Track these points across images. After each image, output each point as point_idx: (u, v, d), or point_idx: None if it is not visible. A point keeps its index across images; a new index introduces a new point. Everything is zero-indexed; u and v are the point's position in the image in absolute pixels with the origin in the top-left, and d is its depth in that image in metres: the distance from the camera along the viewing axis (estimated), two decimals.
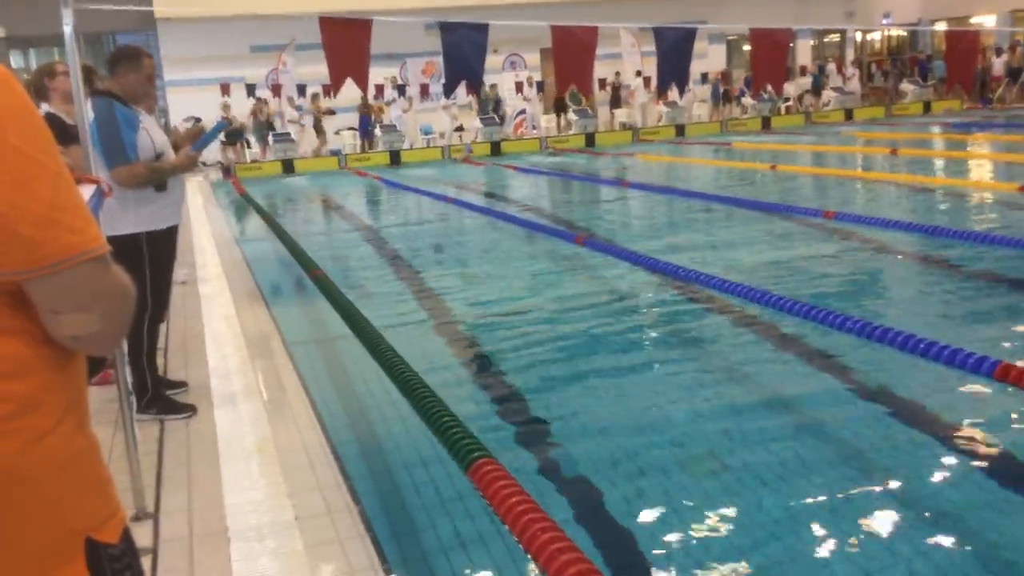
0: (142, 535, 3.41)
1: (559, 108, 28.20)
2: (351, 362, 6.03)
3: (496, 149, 25.63)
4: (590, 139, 26.44)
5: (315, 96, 25.34)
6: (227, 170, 24.08)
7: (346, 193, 19.06)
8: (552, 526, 3.40)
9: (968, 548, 3.34)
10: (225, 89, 25.90)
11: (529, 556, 3.28)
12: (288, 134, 25.34)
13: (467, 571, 3.33)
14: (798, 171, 14.53)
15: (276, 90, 26.47)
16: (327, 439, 4.35)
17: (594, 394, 5.24)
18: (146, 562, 3.15)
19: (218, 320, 7.00)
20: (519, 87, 28.42)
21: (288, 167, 24.39)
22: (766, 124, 27.90)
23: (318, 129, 26.05)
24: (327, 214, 13.22)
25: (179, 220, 4.98)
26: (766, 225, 10.39)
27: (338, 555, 3.20)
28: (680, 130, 27.19)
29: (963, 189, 12.50)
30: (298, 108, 26.04)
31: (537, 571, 3.20)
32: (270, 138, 25.11)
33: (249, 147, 25.99)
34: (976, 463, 4.05)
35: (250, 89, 26.19)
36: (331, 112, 25.96)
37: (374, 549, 3.25)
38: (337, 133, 26.47)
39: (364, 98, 24.75)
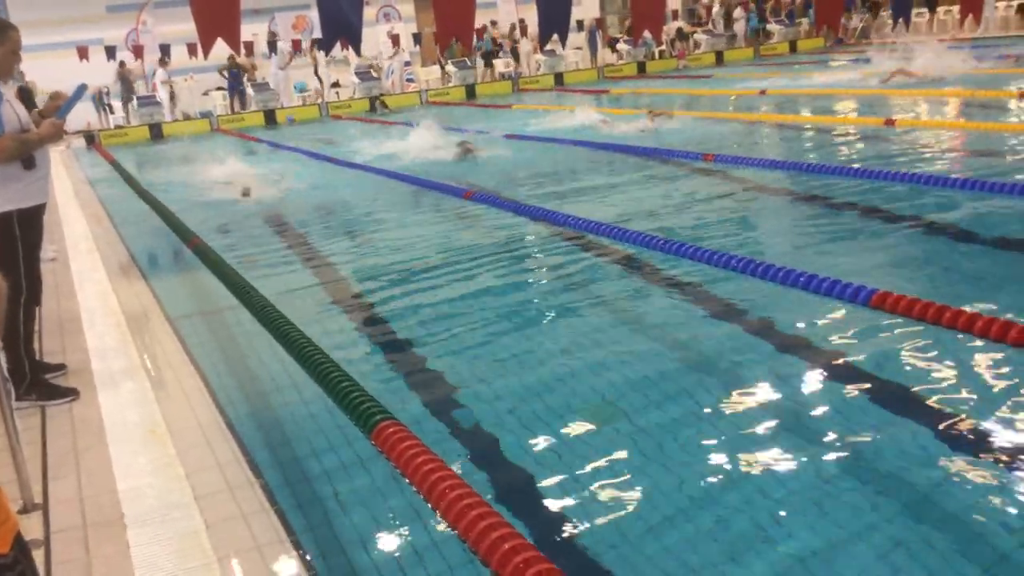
0: (31, 528, 3.26)
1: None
2: (240, 333, 5.87)
3: (375, 105, 25.18)
4: (471, 91, 26.24)
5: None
6: (91, 138, 22.92)
7: (220, 157, 18.38)
8: (460, 483, 3.42)
9: (848, 466, 3.50)
10: (83, 52, 24.53)
11: (438, 514, 3.29)
12: (153, 97, 24.24)
13: (375, 535, 3.31)
14: (676, 115, 14.79)
15: (137, 51, 25.22)
16: (222, 414, 4.24)
17: (491, 347, 5.24)
18: (38, 556, 3.01)
19: (93, 297, 6.70)
20: (395, 40, 27.89)
21: (156, 132, 23.38)
22: (642, 69, 28.26)
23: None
24: (202, 180, 12.75)
25: (47, 197, 4.73)
26: (648, 170, 10.57)
27: (242, 531, 3.13)
28: (559, 79, 27.27)
29: (832, 125, 12.97)
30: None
31: (447, 528, 3.20)
32: (134, 102, 23.97)
33: (112, 112, 24.76)
34: (854, 386, 4.23)
35: (110, 52, 24.88)
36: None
37: (279, 522, 3.19)
38: (206, 94, 25.48)
39: (232, 57, 23.88)
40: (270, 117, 24.30)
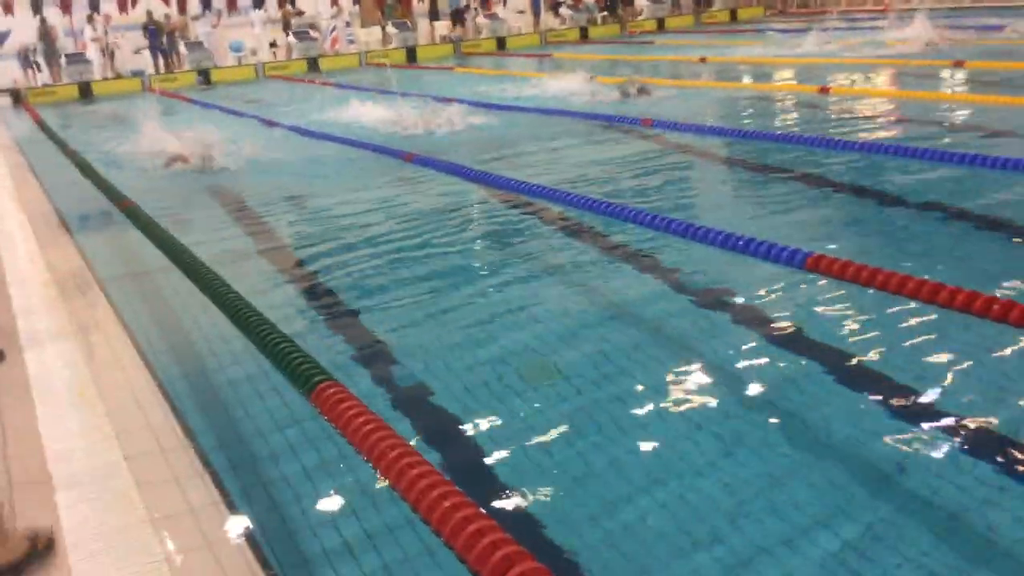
0: None
1: None
2: (173, 296, 5.74)
3: (314, 66, 24.72)
4: (411, 53, 25.89)
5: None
6: (17, 96, 22.11)
7: (152, 116, 17.88)
8: (401, 442, 3.39)
9: (787, 428, 3.57)
10: (7, 7, 23.57)
11: (379, 474, 3.26)
12: (82, 55, 23.43)
13: (312, 497, 3.26)
14: (616, 81, 14.79)
15: (65, 6, 24.33)
16: (153, 377, 4.14)
17: (429, 309, 5.21)
18: None
19: (20, 258, 6.49)
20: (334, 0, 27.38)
21: (85, 91, 22.63)
22: (584, 34, 28.18)
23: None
24: (133, 140, 12.39)
25: None
26: (589, 135, 10.56)
27: (175, 494, 3.07)
28: (501, 43, 27.05)
29: (769, 92, 13.11)
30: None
31: (387, 487, 3.18)
32: (62, 60, 23.15)
33: (39, 70, 23.90)
34: (790, 346, 4.31)
35: (36, 5, 23.94)
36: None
37: (214, 484, 3.13)
38: (137, 52, 24.72)
39: (150, 13, 23.26)
40: (204, 77, 23.69)
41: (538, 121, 12.04)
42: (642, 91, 13.10)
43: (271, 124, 14.04)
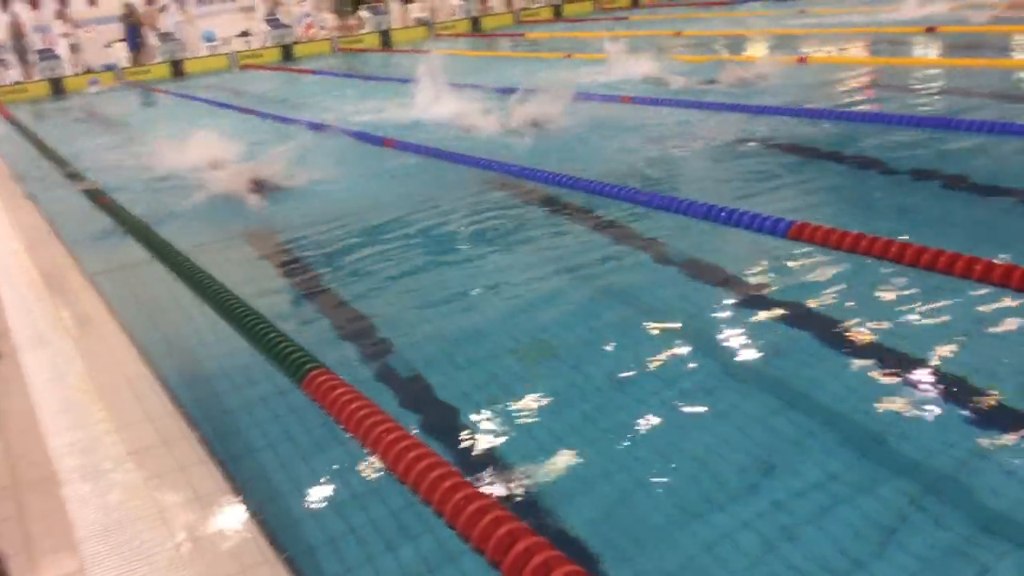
0: None
1: None
2: (161, 289, 5.74)
3: (288, 54, 24.56)
4: (385, 37, 25.74)
5: None
6: None
7: (127, 111, 17.77)
8: (396, 426, 3.45)
9: (774, 392, 3.65)
10: None
11: (375, 457, 3.31)
12: (51, 51, 23.15)
13: (312, 481, 3.31)
14: (592, 58, 14.79)
15: (33, 2, 24.02)
16: (150, 369, 4.17)
17: (417, 292, 5.25)
18: None
19: (6, 256, 6.47)
20: None
21: (57, 87, 22.39)
22: (557, 13, 28.10)
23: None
24: (110, 135, 12.30)
25: None
26: (572, 114, 10.48)
27: (182, 483, 3.11)
28: (475, 23, 26.94)
29: (749, 64, 13.12)
30: None
31: (385, 472, 3.22)
32: (32, 57, 22.87)
33: (7, 68, 23.59)
34: (775, 313, 4.38)
35: (4, 2, 23.62)
36: None
37: (220, 472, 3.18)
38: (108, 46, 24.44)
39: (128, 5, 22.98)
40: (176, 69, 23.47)
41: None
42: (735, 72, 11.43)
43: (248, 112, 13.93)
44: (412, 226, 6.61)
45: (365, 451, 3.37)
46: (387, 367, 4.27)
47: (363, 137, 10.40)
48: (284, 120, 12.59)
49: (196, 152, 9.91)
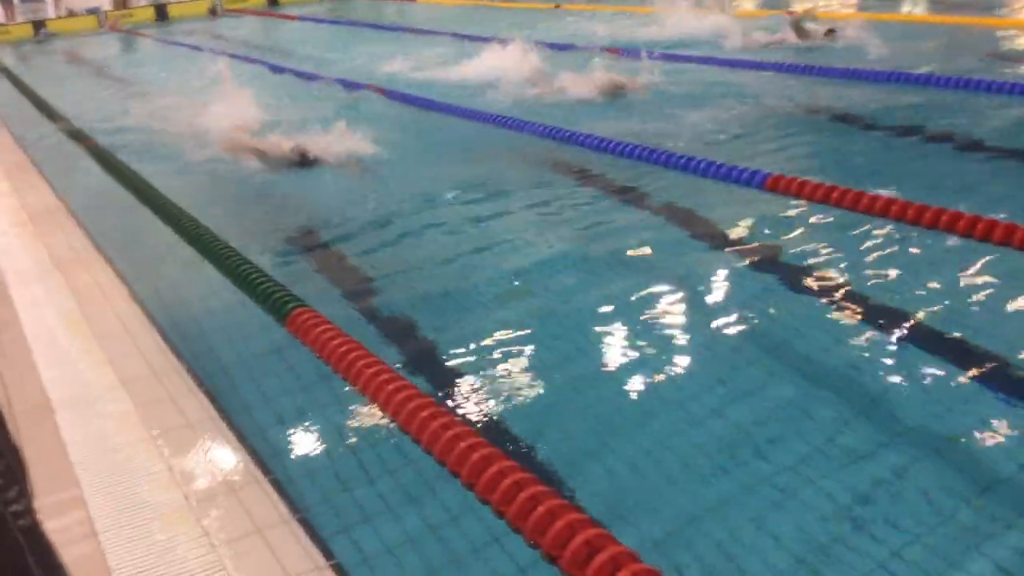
0: None
1: None
2: (148, 229, 5.81)
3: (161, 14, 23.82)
4: None
5: None
6: None
7: (111, 54, 17.60)
8: (377, 361, 3.58)
9: (748, 336, 3.80)
10: None
11: (358, 391, 3.43)
12: None
13: (298, 415, 3.43)
14: (586, 8, 14.70)
15: None
16: (140, 306, 4.28)
17: (400, 239, 5.34)
18: None
19: None
20: None
21: (39, 29, 22.09)
22: None
23: None
24: (92, 78, 12.20)
25: None
26: (550, 62, 10.38)
27: (172, 411, 3.25)
28: None
29: (738, 19, 13.06)
30: None
31: (368, 405, 3.35)
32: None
33: None
34: (751, 261, 4.53)
35: None
36: None
37: (209, 401, 3.31)
38: None
39: None
40: (161, 12, 23.18)
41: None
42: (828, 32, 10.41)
43: (236, 58, 13.81)
44: (393, 172, 6.65)
45: (346, 386, 3.49)
46: (370, 307, 4.40)
47: (346, 84, 10.40)
48: (261, 63, 12.48)
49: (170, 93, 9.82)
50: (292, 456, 3.17)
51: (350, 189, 6.36)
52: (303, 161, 6.79)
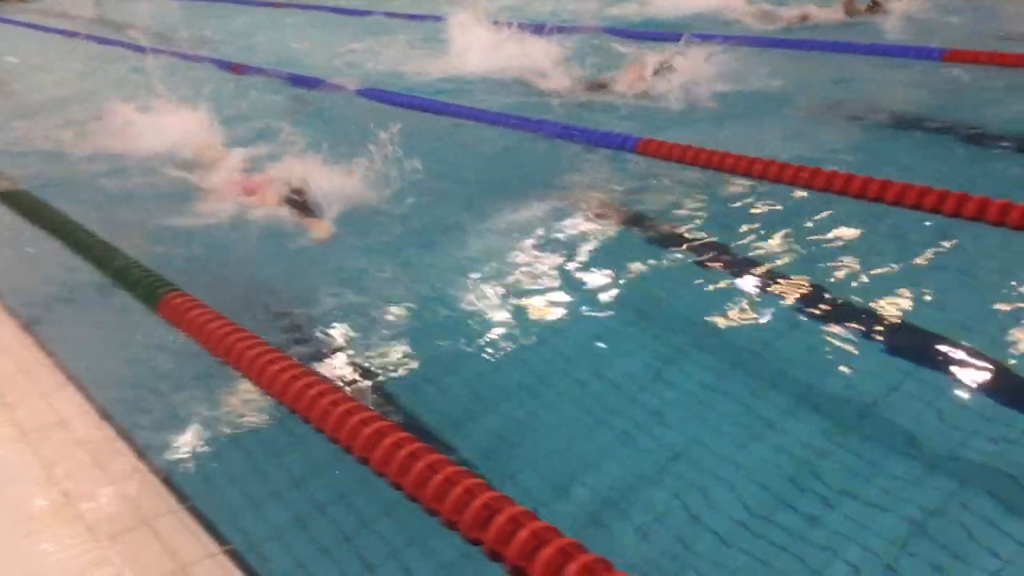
0: None
1: None
2: (7, 223, 5.49)
3: None
4: None
5: None
6: None
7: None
8: (259, 342, 3.48)
9: (623, 299, 3.91)
10: None
11: (240, 373, 3.33)
12: None
13: (180, 402, 3.33)
14: None
15: None
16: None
17: None
18: None
19: None
20: None
21: None
22: None
23: None
24: None
25: None
26: (431, 33, 10.19)
27: (45, 409, 3.11)
28: None
29: None
30: None
31: (250, 386, 3.28)
32: None
33: None
34: (628, 226, 4.65)
35: None
36: None
37: (82, 396, 3.19)
38: None
39: None
40: None
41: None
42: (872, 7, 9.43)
43: (89, 38, 13.05)
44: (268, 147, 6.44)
45: (228, 368, 3.38)
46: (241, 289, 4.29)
47: (214, 61, 10.00)
48: (120, 44, 11.85)
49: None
50: (177, 445, 3.07)
51: None
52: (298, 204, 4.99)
